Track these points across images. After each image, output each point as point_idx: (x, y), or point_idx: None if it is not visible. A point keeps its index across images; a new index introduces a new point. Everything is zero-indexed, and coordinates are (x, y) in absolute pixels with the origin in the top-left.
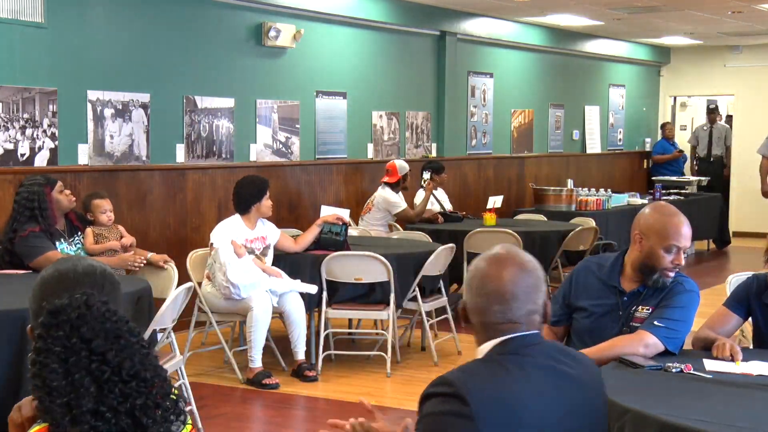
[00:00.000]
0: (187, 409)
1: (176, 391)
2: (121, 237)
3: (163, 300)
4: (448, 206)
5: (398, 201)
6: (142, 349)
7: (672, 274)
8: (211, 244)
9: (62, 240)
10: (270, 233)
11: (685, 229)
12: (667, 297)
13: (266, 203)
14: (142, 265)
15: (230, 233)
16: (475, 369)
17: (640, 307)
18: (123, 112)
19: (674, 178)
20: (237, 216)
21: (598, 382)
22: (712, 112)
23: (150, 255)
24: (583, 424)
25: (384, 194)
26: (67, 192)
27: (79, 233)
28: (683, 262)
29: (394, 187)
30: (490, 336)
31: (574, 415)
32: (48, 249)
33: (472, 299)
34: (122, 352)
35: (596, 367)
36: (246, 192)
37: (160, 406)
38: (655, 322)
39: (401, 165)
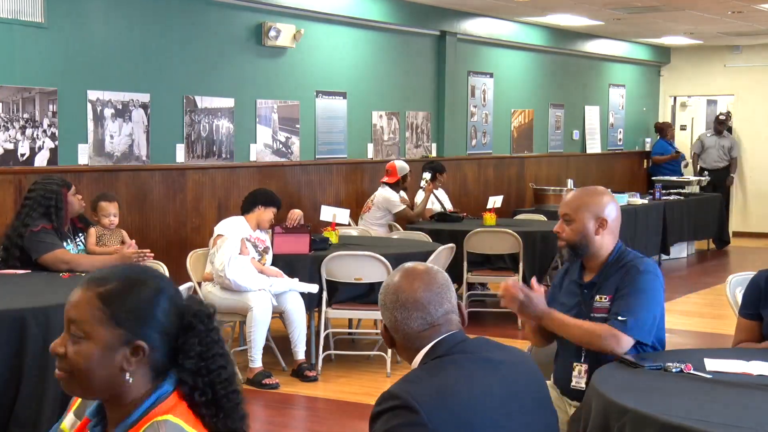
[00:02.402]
0: None
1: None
2: (122, 242)
3: None
4: (449, 206)
5: (398, 200)
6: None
7: (562, 243)
8: (218, 235)
9: (68, 241)
10: (267, 240)
11: (567, 198)
12: (623, 284)
13: (269, 214)
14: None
15: (238, 229)
16: (416, 377)
17: (598, 296)
18: (123, 112)
19: (674, 178)
20: (240, 216)
21: (530, 361)
22: (721, 123)
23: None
24: (525, 402)
25: (384, 193)
26: (79, 197)
27: (81, 233)
28: (560, 230)
29: (394, 187)
30: (417, 347)
31: (515, 395)
32: (57, 247)
33: (390, 316)
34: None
35: (522, 350)
36: (259, 194)
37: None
38: (620, 318)
39: (401, 166)
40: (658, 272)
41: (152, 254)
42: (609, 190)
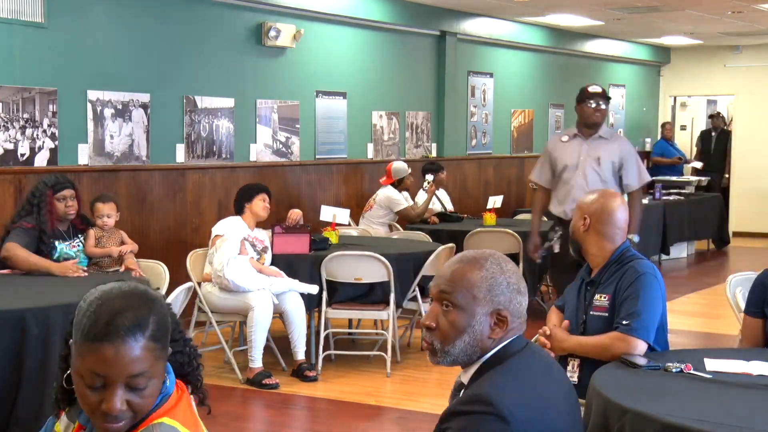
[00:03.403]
0: None
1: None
2: (122, 242)
3: None
4: (450, 206)
5: (400, 199)
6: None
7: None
8: (216, 235)
9: (61, 240)
10: (265, 239)
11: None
12: (622, 286)
13: (257, 203)
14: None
15: (237, 229)
16: (503, 382)
17: (597, 295)
18: (123, 112)
19: (674, 178)
20: (237, 216)
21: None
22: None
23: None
24: (577, 412)
25: (386, 192)
26: (70, 203)
27: (80, 235)
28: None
29: (397, 187)
30: (500, 339)
31: (573, 403)
32: (12, 240)
33: (508, 297)
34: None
35: None
36: (240, 193)
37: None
38: (624, 322)
39: (396, 168)
40: (656, 273)
41: (85, 273)
42: (618, 193)
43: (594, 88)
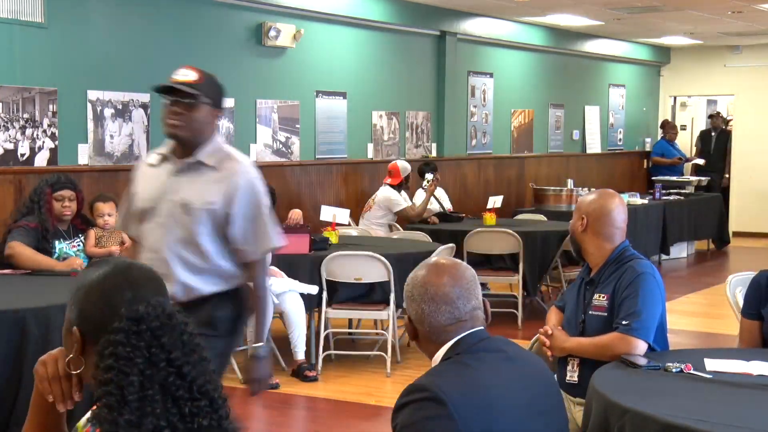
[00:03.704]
0: None
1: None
2: (122, 243)
3: None
4: (448, 205)
5: (400, 199)
6: (209, 365)
7: None
8: None
9: (61, 240)
10: None
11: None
12: (621, 286)
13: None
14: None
15: None
16: (443, 371)
17: (596, 294)
18: (123, 112)
19: (674, 178)
20: None
21: (544, 364)
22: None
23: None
24: (547, 405)
25: (386, 192)
26: (67, 203)
27: (81, 235)
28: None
29: (397, 187)
30: (442, 341)
31: (539, 397)
32: (15, 239)
33: (417, 308)
34: (195, 367)
35: (535, 354)
36: None
37: (222, 428)
38: (624, 322)
39: (404, 166)
40: (655, 272)
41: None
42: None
43: (177, 75)
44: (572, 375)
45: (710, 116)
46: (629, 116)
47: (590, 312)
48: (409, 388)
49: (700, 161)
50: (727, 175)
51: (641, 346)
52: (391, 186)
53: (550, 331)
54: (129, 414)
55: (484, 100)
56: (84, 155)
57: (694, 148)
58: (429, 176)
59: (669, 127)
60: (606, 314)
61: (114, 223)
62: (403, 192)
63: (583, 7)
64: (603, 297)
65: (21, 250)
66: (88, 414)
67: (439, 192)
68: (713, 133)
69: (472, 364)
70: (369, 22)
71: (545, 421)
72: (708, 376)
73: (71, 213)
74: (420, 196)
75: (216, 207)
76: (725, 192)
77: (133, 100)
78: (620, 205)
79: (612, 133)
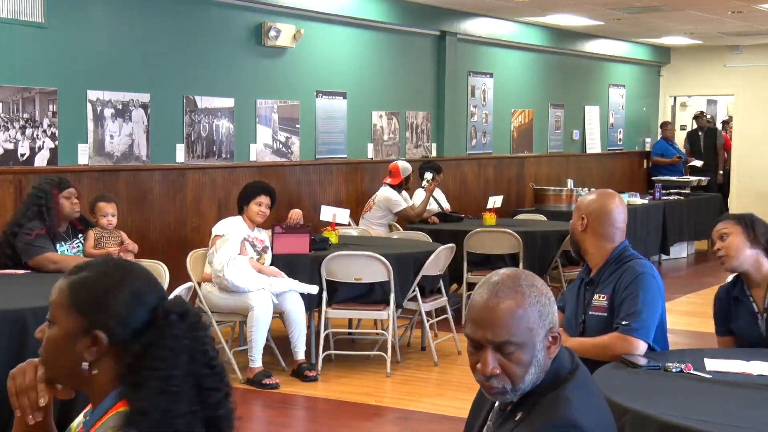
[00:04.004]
0: None
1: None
2: (121, 243)
3: None
4: (446, 205)
5: (400, 199)
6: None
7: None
8: (216, 235)
9: (62, 242)
10: (266, 239)
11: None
12: (621, 286)
13: (253, 207)
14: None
15: (237, 229)
16: (581, 404)
17: (596, 295)
18: (123, 112)
19: (674, 178)
20: (238, 216)
21: None
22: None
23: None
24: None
25: (386, 193)
26: (75, 201)
27: (80, 235)
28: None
29: (397, 187)
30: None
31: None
32: (46, 250)
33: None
34: (218, 359)
35: None
36: (242, 193)
37: (231, 420)
38: (624, 323)
39: (404, 166)
40: (654, 272)
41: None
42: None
43: None
44: None
45: (695, 117)
46: (629, 116)
47: (590, 312)
48: (562, 422)
49: (698, 163)
50: (720, 172)
51: (641, 346)
52: (391, 186)
53: None
54: (165, 403)
55: (484, 100)
56: (84, 155)
57: (684, 150)
58: (428, 175)
59: (666, 124)
60: (606, 314)
61: (116, 223)
62: (403, 192)
63: (583, 7)
64: (603, 297)
65: (63, 258)
66: (81, 416)
67: (437, 192)
68: (701, 133)
69: (591, 388)
70: (369, 22)
71: None
72: (708, 376)
73: (80, 209)
74: (420, 195)
75: None
76: (721, 189)
77: (133, 100)
78: (620, 205)
79: (612, 133)
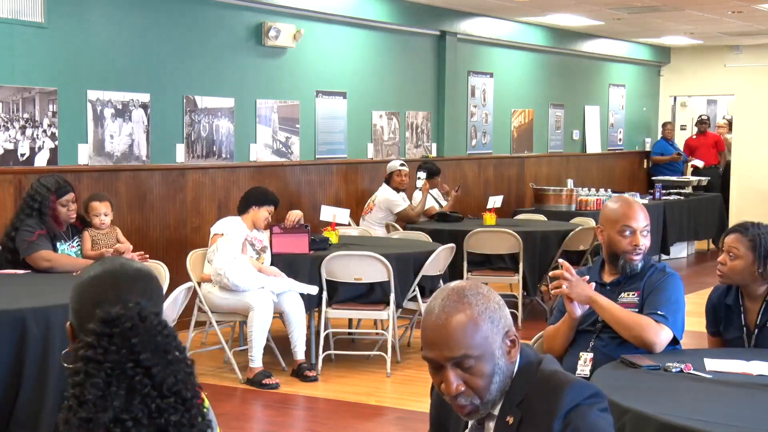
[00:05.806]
0: None
1: (205, 409)
2: (117, 240)
3: None
4: (444, 203)
5: (399, 200)
6: (186, 366)
7: (637, 257)
8: (215, 235)
9: (62, 242)
10: (264, 239)
11: (635, 211)
12: (652, 282)
13: (263, 213)
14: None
15: (237, 229)
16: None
17: (624, 293)
18: (123, 112)
19: (674, 178)
20: (237, 216)
21: None
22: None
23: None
24: None
25: (386, 194)
26: (72, 207)
27: (79, 235)
28: (641, 243)
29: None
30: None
31: None
32: (42, 247)
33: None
34: (168, 367)
35: None
36: (252, 194)
37: (194, 426)
38: (659, 312)
39: (389, 165)
40: (678, 275)
41: (146, 256)
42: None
43: None
44: (584, 369)
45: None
46: (629, 116)
47: None
48: (591, 388)
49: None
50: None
51: (667, 338)
52: (387, 183)
53: (567, 275)
54: (85, 412)
55: (484, 100)
56: (84, 155)
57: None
58: (422, 175)
59: (667, 124)
60: (638, 311)
61: (109, 222)
62: (402, 192)
63: (583, 7)
64: (633, 294)
65: (56, 257)
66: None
67: (434, 192)
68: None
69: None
70: (369, 22)
71: None
72: (708, 376)
73: (75, 215)
74: (418, 196)
75: None
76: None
77: (133, 100)
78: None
79: (612, 133)
